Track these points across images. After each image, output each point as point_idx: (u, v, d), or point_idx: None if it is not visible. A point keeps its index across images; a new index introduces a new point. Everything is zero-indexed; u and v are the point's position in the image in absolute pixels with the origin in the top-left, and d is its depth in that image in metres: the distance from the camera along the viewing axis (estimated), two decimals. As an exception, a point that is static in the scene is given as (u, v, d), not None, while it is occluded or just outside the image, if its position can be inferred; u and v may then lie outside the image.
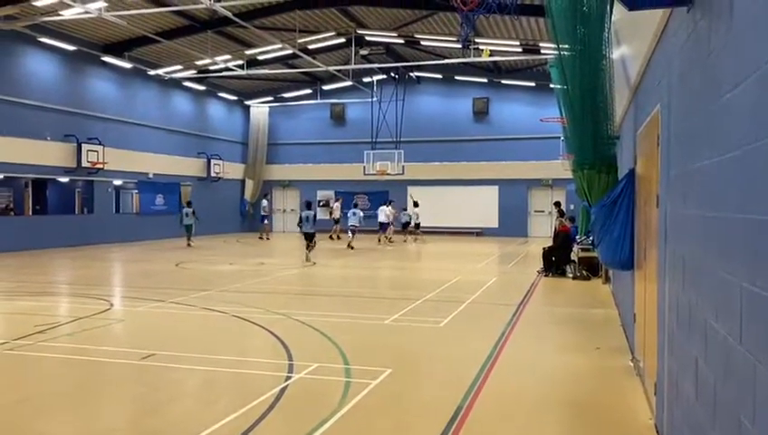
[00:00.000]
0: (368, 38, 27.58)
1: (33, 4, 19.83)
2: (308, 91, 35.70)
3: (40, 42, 23.37)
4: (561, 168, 26.10)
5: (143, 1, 21.46)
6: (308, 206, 19.73)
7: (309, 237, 19.03)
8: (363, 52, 28.07)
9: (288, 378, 6.46)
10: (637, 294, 6.76)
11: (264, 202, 31.30)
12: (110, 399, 6.12)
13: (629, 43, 6.97)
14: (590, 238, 14.33)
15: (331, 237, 29.04)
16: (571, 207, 26.81)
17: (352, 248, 24.00)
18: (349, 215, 26.73)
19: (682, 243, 3.75)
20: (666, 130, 4.49)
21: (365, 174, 32.90)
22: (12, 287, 13.89)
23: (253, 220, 35.55)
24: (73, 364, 7.18)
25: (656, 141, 4.95)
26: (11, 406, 5.64)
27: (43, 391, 6.22)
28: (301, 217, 19.38)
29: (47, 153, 24.00)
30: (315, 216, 19.65)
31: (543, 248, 16.58)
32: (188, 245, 25.04)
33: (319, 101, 35.18)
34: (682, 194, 3.77)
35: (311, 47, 27.56)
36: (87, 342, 8.25)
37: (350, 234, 25.62)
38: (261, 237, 30.05)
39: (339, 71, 29.76)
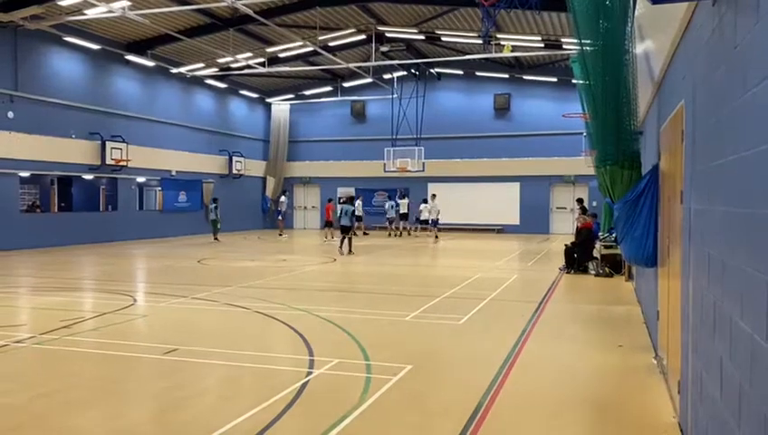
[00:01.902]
0: (388, 35, 27.55)
1: (59, 3, 20.13)
2: (328, 88, 35.79)
3: (65, 41, 23.72)
4: (583, 164, 25.85)
5: None
6: (349, 201, 21.58)
7: (345, 230, 20.57)
8: (384, 48, 28.06)
9: (309, 373, 6.50)
10: (660, 291, 6.68)
11: (283, 198, 31.30)
12: (135, 393, 6.20)
13: (653, 37, 6.88)
14: (613, 235, 14.19)
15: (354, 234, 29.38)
16: (594, 203, 26.61)
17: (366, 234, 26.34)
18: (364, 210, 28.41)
19: (707, 239, 3.70)
20: (690, 125, 4.43)
21: (385, 171, 32.92)
22: (38, 283, 14.14)
23: (274, 217, 35.75)
24: (98, 359, 7.29)
25: (680, 137, 4.88)
26: (39, 399, 5.75)
27: (69, 384, 6.33)
28: (339, 211, 21.20)
29: (72, 151, 24.38)
30: (354, 211, 21.18)
31: (565, 245, 16.46)
32: (215, 239, 25.63)
33: (339, 98, 35.26)
34: (707, 190, 3.72)
35: (331, 44, 27.62)
36: (111, 337, 8.37)
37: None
38: (280, 234, 30.15)
39: (359, 68, 29.77)
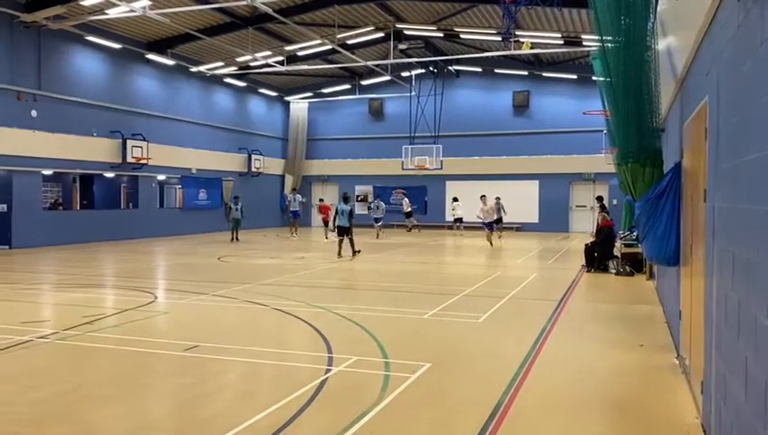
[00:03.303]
0: (406, 32, 27.53)
1: (81, 3, 20.39)
2: (347, 86, 35.86)
3: (87, 40, 24.02)
4: (603, 162, 25.65)
5: (186, -1, 21.86)
6: (344, 200, 19.42)
7: (341, 232, 18.90)
8: (402, 46, 28.03)
9: (328, 371, 6.52)
10: (683, 290, 6.61)
11: (299, 197, 30.15)
12: (156, 389, 6.27)
13: (676, 33, 6.79)
14: (634, 233, 14.07)
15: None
16: (614, 202, 26.36)
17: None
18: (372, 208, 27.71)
19: (731, 238, 3.65)
20: (714, 122, 4.37)
21: (403, 169, 32.92)
22: (61, 279, 14.34)
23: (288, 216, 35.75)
24: (120, 355, 7.38)
25: (703, 134, 4.82)
26: (62, 395, 5.83)
27: (91, 380, 6.41)
28: (336, 211, 19.38)
29: (94, 149, 24.68)
30: (352, 211, 19.07)
31: (586, 244, 16.33)
32: (236, 239, 25.02)
33: (357, 96, 35.31)
34: (732, 188, 3.67)
35: (349, 42, 27.66)
36: (132, 333, 8.46)
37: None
38: (292, 233, 28.30)
39: (377, 65, 29.78)
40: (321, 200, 29.48)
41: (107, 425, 5.15)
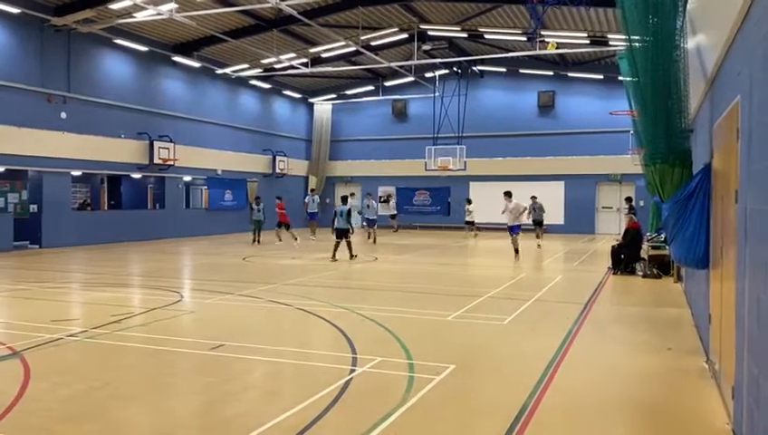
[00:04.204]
0: (430, 33, 27.47)
1: (110, 7, 20.70)
2: (370, 87, 35.90)
3: (115, 43, 24.38)
4: (630, 162, 25.34)
5: (211, 1, 22.06)
6: (343, 200, 18.89)
7: (340, 234, 18.04)
8: (426, 47, 27.98)
9: (352, 371, 6.53)
10: (712, 293, 6.49)
11: (317, 198, 29.27)
12: (182, 388, 6.33)
13: (706, 32, 6.68)
14: (662, 235, 13.87)
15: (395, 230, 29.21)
16: (641, 203, 26.05)
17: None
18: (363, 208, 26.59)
19: (764, 240, 3.58)
20: (746, 122, 4.28)
21: (426, 170, 32.84)
22: (89, 279, 14.58)
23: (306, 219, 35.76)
24: (146, 353, 7.46)
25: (735, 134, 4.73)
26: (90, 393, 5.92)
27: (119, 378, 6.50)
28: (334, 213, 18.35)
29: (121, 151, 25.05)
30: (350, 211, 18.28)
31: (612, 246, 16.14)
32: (258, 242, 24.17)
33: (381, 97, 35.34)
34: (764, 189, 3.59)
35: (373, 44, 27.69)
36: (159, 332, 8.56)
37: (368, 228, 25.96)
38: (312, 234, 27.11)
39: (401, 66, 29.76)
40: (278, 198, 26.44)
41: (134, 423, 5.22)
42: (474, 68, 33.41)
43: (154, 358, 7.28)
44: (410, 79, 32.36)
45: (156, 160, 25.97)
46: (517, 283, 13.89)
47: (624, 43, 7.94)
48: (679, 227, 6.79)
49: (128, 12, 21.53)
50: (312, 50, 28.20)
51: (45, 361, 7.03)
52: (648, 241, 15.30)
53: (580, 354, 7.47)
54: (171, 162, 26.60)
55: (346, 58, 30.73)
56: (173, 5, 19.74)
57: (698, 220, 6.49)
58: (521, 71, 32.93)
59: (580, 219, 32.25)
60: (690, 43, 7.68)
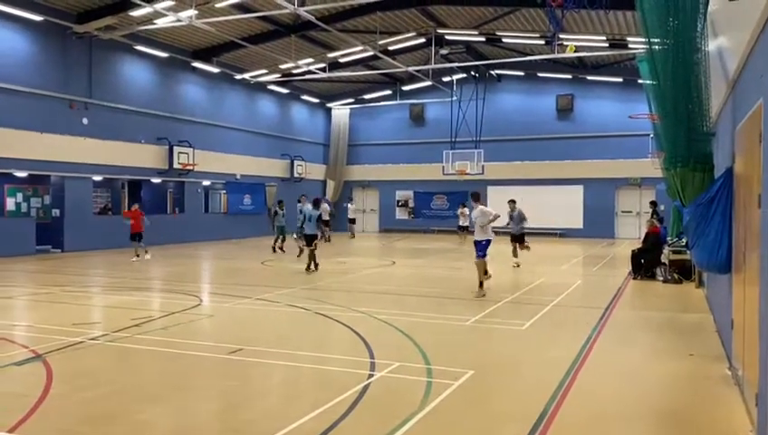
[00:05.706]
0: (448, 37, 27.44)
1: (130, 14, 20.98)
2: (388, 92, 35.97)
3: (135, 49, 24.70)
4: (650, 166, 25.06)
5: (231, 8, 22.24)
6: (314, 204, 17.14)
7: (308, 240, 16.61)
8: (443, 51, 27.94)
9: (370, 376, 6.52)
10: (735, 298, 6.40)
11: (329, 206, 28.84)
12: (202, 391, 6.37)
13: (727, 34, 6.61)
14: (683, 240, 13.71)
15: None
16: (662, 207, 25.77)
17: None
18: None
19: (789, 245, 3.52)
20: (769, 125, 4.23)
21: (444, 174, 32.78)
22: (110, 282, 14.73)
23: (334, 220, 35.93)
24: (166, 357, 7.53)
25: (758, 138, 4.67)
26: (111, 395, 5.98)
27: (139, 381, 6.56)
28: (304, 216, 16.81)
29: (141, 156, 25.33)
30: (320, 216, 17.03)
31: (632, 250, 15.99)
32: (281, 249, 22.35)
33: (398, 101, 35.38)
34: (789, 193, 3.54)
35: (391, 48, 27.75)
36: (179, 335, 8.63)
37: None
38: (326, 239, 25.73)
39: (418, 71, 29.78)
40: (136, 204, 21.53)
41: (154, 425, 5.27)
42: (491, 72, 33.32)
43: (174, 361, 7.34)
44: (428, 83, 32.36)
45: (175, 165, 26.23)
46: (536, 288, 13.81)
47: (644, 46, 7.87)
48: (701, 231, 6.70)
49: (148, 19, 21.80)
50: (330, 55, 28.32)
51: (67, 364, 7.12)
52: (668, 246, 15.13)
53: (601, 360, 7.41)
54: (191, 167, 26.83)
55: (364, 63, 30.82)
56: (193, 12, 19.95)
57: (720, 225, 6.40)
58: (539, 74, 32.79)
59: (599, 224, 31.99)
60: (711, 46, 7.60)
